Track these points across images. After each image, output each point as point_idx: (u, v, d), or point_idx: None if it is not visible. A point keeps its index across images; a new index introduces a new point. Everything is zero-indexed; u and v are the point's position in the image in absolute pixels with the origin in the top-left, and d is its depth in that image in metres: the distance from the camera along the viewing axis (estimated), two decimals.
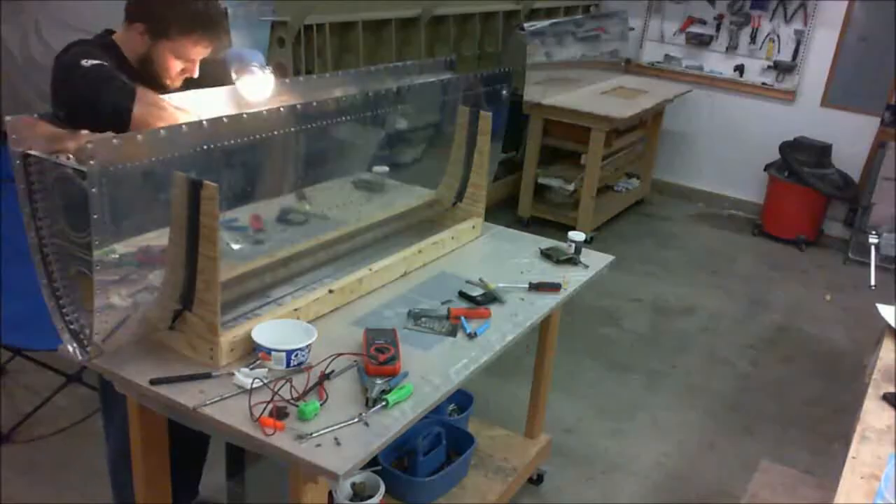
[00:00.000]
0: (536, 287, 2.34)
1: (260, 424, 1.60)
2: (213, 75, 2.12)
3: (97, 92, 1.79)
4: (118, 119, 1.76)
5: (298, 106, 1.97)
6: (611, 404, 3.54)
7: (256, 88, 2.12)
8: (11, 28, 3.57)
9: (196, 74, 2.09)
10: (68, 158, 1.63)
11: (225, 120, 1.79)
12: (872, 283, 3.09)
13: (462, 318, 2.11)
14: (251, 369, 1.74)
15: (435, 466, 2.56)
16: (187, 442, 2.10)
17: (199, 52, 2.05)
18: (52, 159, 1.61)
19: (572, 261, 2.56)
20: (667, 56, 6.29)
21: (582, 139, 5.10)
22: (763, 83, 5.95)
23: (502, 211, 5.46)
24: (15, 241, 2.67)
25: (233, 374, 1.73)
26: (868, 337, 3.75)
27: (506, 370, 3.48)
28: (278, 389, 1.70)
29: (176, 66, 2.03)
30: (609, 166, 5.45)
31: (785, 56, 5.83)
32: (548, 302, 2.30)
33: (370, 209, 2.43)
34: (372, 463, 2.20)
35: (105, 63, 1.87)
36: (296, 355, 1.78)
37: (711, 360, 4.03)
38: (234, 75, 2.11)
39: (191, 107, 1.96)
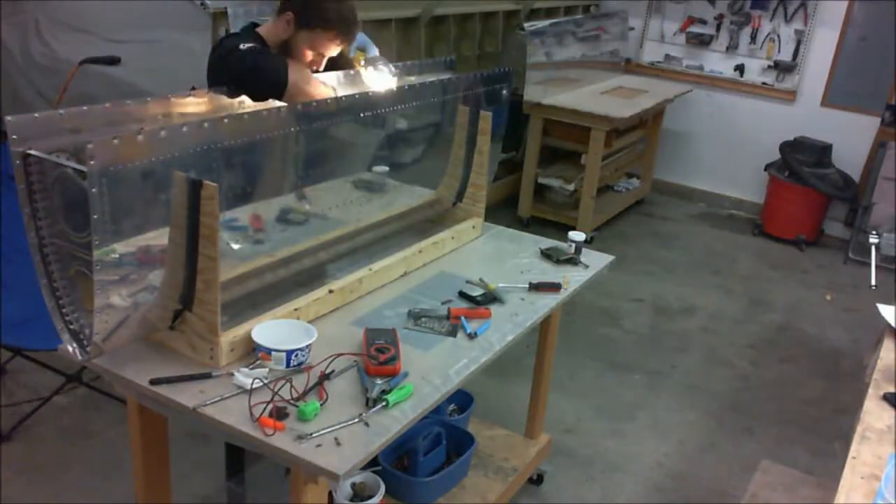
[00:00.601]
0: (537, 287, 2.34)
1: (260, 424, 1.60)
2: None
3: (258, 64, 2.18)
4: (277, 85, 2.16)
5: (298, 106, 1.97)
6: (611, 404, 3.54)
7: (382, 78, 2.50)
8: (11, 28, 3.57)
9: (321, 69, 2.40)
10: (68, 158, 1.63)
11: (225, 120, 1.79)
12: (873, 283, 3.09)
13: (462, 318, 2.11)
14: (251, 369, 1.74)
15: (435, 466, 2.56)
16: None
17: (332, 48, 2.35)
18: (52, 159, 1.61)
19: (572, 261, 2.56)
20: (667, 56, 6.29)
21: (582, 139, 5.10)
22: (763, 83, 5.95)
23: (502, 211, 5.46)
24: (15, 241, 2.68)
25: (233, 374, 1.73)
26: (868, 337, 3.75)
27: (506, 370, 3.48)
28: (278, 389, 1.70)
29: (308, 55, 2.34)
30: (609, 166, 5.45)
31: (785, 56, 5.83)
32: (548, 302, 2.30)
33: (370, 209, 2.43)
34: (372, 463, 2.20)
35: (257, 45, 2.25)
36: (296, 355, 1.78)
37: (711, 360, 4.03)
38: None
39: (331, 83, 2.33)
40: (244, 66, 2.18)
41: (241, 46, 2.21)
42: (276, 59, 2.23)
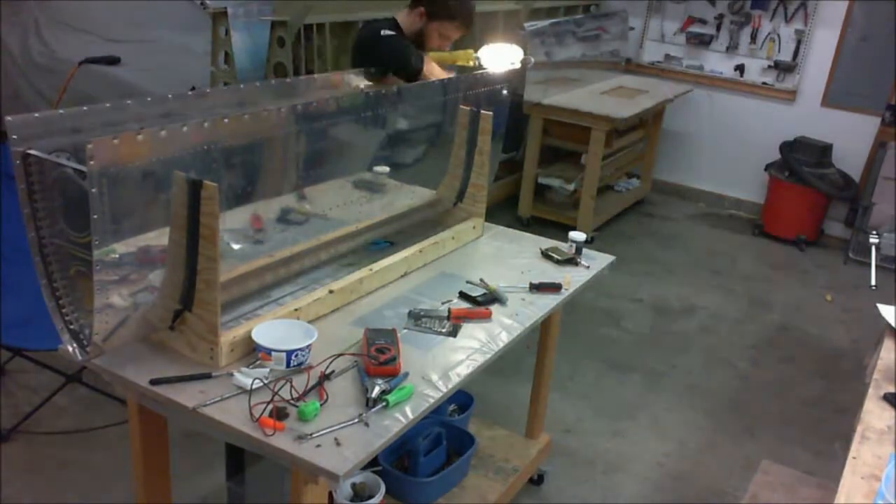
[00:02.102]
0: (537, 287, 2.34)
1: (260, 425, 1.60)
2: None
3: (401, 50, 2.78)
4: (416, 70, 2.75)
5: (298, 106, 1.97)
6: (611, 404, 3.54)
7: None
8: (11, 28, 3.57)
9: (447, 48, 2.97)
10: (68, 158, 1.63)
11: (225, 120, 1.79)
12: (873, 283, 3.09)
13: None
14: (251, 369, 1.74)
15: (435, 467, 2.56)
16: None
17: (456, 34, 2.91)
18: (52, 159, 1.61)
19: (573, 261, 2.56)
20: (667, 56, 6.29)
21: (582, 139, 5.09)
22: (763, 83, 5.95)
23: (502, 211, 5.46)
24: (15, 241, 2.68)
25: (233, 375, 1.73)
26: (868, 337, 3.75)
27: (506, 370, 3.48)
28: (278, 390, 1.70)
29: (437, 41, 2.91)
30: (609, 166, 5.45)
31: (785, 56, 5.82)
32: (548, 302, 2.30)
33: (370, 209, 2.43)
34: (372, 463, 2.20)
35: (396, 34, 2.83)
36: (296, 355, 1.78)
37: (711, 360, 4.03)
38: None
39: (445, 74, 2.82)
40: (389, 50, 2.77)
41: (384, 32, 2.78)
42: (414, 50, 2.79)
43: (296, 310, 1.97)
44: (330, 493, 2.17)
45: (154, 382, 1.70)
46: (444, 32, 2.88)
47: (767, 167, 5.79)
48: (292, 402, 1.68)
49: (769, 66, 5.89)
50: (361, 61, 2.80)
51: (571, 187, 5.38)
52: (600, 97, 5.42)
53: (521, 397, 3.01)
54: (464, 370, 1.91)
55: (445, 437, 2.63)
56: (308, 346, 1.81)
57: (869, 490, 1.65)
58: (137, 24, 3.41)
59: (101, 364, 1.76)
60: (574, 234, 2.60)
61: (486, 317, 2.15)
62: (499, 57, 2.84)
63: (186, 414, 1.66)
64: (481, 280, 2.34)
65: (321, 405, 1.68)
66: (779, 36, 5.82)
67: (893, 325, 2.37)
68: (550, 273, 2.47)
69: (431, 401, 1.78)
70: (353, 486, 2.36)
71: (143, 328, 1.81)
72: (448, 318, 2.11)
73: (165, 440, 2.01)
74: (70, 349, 1.76)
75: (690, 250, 5.47)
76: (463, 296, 2.26)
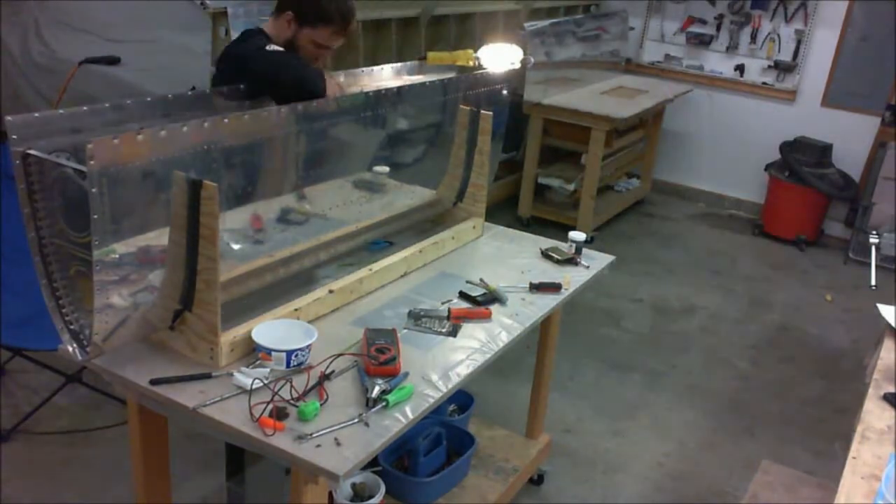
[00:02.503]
0: (537, 287, 2.34)
1: (260, 425, 1.60)
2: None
3: (302, 72, 2.27)
4: (316, 95, 2.22)
5: (299, 106, 1.97)
6: (611, 404, 3.54)
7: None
8: (11, 28, 3.56)
9: (327, 60, 2.53)
10: (68, 158, 1.63)
11: (225, 120, 1.79)
12: (873, 283, 3.09)
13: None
14: (251, 369, 1.74)
15: (435, 467, 2.56)
16: None
17: (333, 41, 2.44)
18: (52, 159, 1.61)
19: (573, 261, 2.56)
20: (667, 56, 6.29)
21: (582, 139, 5.09)
22: (763, 83, 5.95)
23: (502, 211, 5.46)
24: (16, 241, 2.68)
25: (233, 375, 1.73)
26: (868, 337, 3.75)
27: (506, 370, 3.48)
28: (278, 390, 1.70)
29: (312, 50, 2.42)
30: (609, 166, 5.45)
31: (785, 56, 5.83)
32: (548, 302, 2.30)
33: (370, 209, 2.42)
34: (372, 463, 2.20)
35: (283, 49, 2.34)
36: (296, 355, 1.78)
37: (711, 360, 4.03)
38: None
39: (344, 83, 2.50)
40: (286, 70, 2.27)
41: (269, 48, 2.30)
42: (314, 69, 2.33)
43: (296, 310, 1.97)
44: (330, 493, 2.17)
45: (154, 382, 1.71)
46: (319, 40, 2.39)
47: (767, 167, 5.79)
48: (292, 402, 1.68)
49: (769, 66, 5.89)
50: (251, 83, 2.30)
51: (571, 187, 5.38)
52: (600, 97, 5.42)
53: (521, 397, 3.01)
54: (464, 370, 1.91)
55: (445, 437, 2.63)
56: (308, 346, 1.81)
57: (869, 490, 1.65)
58: (137, 24, 3.40)
59: (101, 364, 1.76)
60: (574, 234, 2.60)
61: (486, 317, 2.15)
62: (499, 57, 2.80)
63: (186, 414, 1.66)
64: (481, 280, 2.34)
65: (321, 405, 1.68)
66: (779, 36, 5.82)
67: (893, 325, 2.37)
68: (550, 273, 2.47)
69: (431, 401, 1.78)
70: (353, 486, 2.36)
71: (143, 328, 1.81)
72: (448, 318, 2.12)
73: (165, 440, 2.01)
74: (70, 349, 1.76)
75: (690, 250, 5.47)
76: (463, 296, 2.26)
